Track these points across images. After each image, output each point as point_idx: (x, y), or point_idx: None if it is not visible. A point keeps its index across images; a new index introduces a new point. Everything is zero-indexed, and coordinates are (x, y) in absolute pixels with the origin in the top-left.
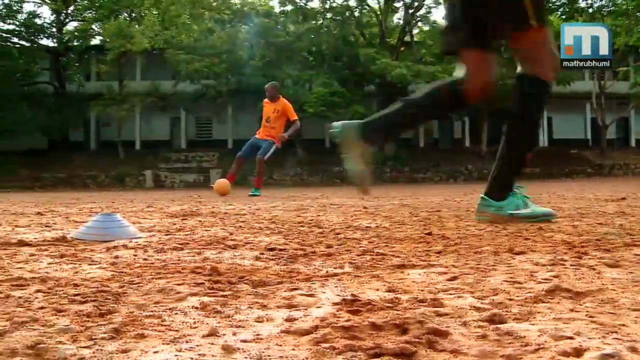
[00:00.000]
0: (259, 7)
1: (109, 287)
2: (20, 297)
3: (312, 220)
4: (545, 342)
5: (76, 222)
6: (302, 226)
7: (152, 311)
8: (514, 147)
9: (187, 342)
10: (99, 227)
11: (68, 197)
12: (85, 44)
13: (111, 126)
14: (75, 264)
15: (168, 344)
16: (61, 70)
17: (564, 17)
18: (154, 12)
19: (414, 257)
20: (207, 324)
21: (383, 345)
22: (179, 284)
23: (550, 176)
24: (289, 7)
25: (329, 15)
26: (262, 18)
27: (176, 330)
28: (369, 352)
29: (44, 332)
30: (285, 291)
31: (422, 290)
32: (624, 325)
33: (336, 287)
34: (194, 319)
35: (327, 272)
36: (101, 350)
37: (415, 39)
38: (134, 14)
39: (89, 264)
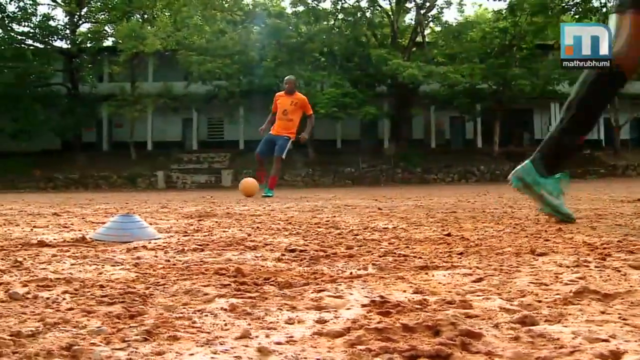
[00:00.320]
0: (271, 8)
1: (135, 288)
2: (48, 298)
3: (328, 221)
4: (580, 344)
5: (93, 222)
6: (319, 227)
7: (181, 313)
8: (570, 131)
9: (220, 344)
10: (118, 227)
11: (82, 197)
12: (98, 46)
13: (123, 127)
14: (97, 265)
15: (202, 346)
16: (74, 72)
17: (577, 16)
18: (166, 14)
19: (436, 258)
20: (238, 325)
21: (418, 347)
22: (204, 286)
23: None
24: (301, 8)
25: (340, 16)
26: (273, 19)
27: (208, 332)
28: (404, 354)
29: (77, 334)
30: (312, 292)
31: (449, 292)
32: None
33: (363, 288)
34: (224, 320)
35: (351, 273)
36: (136, 352)
37: (427, 40)
38: (146, 16)
39: (112, 265)
